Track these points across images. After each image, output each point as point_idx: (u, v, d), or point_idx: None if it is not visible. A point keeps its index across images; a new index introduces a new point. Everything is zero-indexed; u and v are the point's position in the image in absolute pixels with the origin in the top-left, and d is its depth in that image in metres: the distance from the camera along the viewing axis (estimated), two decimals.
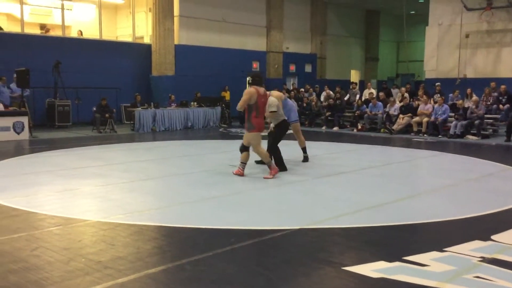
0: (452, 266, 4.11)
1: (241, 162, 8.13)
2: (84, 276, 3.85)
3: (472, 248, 4.58)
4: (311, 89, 20.53)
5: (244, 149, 8.10)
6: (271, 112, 8.48)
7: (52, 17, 20.14)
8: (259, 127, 8.02)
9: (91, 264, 4.09)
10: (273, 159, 8.49)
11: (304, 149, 9.87)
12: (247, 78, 8.44)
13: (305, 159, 9.78)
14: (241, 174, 8.08)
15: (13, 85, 14.96)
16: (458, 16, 19.87)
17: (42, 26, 19.71)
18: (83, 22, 20.28)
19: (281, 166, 8.51)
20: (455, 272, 3.99)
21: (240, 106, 7.95)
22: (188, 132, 16.85)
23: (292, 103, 10.88)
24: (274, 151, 8.66)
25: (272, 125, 8.92)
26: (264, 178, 7.94)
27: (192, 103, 18.30)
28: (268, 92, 8.85)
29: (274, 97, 8.69)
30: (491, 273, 3.98)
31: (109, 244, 4.63)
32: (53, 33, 18.93)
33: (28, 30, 18.08)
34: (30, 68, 14.56)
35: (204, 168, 8.99)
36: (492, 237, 4.93)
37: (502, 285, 3.75)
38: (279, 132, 8.78)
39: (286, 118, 8.99)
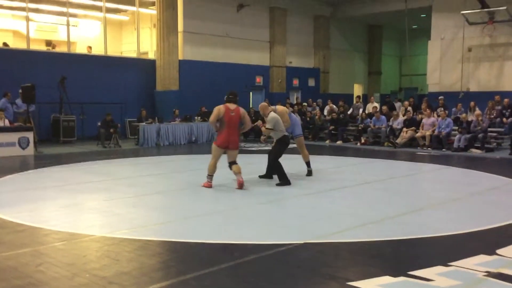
0: (457, 281, 4.09)
1: (236, 173, 8.31)
2: None
3: (477, 263, 4.56)
4: (314, 103, 20.59)
5: (231, 163, 8.37)
6: (267, 128, 8.74)
7: (57, 33, 20.33)
8: (221, 141, 8.29)
9: (96, 280, 4.10)
10: (277, 174, 8.82)
11: (308, 163, 9.89)
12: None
13: (309, 173, 9.80)
14: (240, 183, 8.21)
15: (18, 101, 15.07)
16: (460, 30, 19.96)
17: (48, 43, 19.90)
18: (88, 38, 20.46)
19: (285, 180, 8.55)
20: (461, 287, 3.98)
21: (210, 120, 8.40)
22: (192, 146, 16.90)
23: (296, 118, 10.93)
24: (276, 167, 8.73)
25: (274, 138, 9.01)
26: (202, 185, 8.34)
27: (196, 117, 18.37)
28: (272, 107, 9.31)
29: (275, 113, 8.81)
30: (496, 287, 3.96)
31: (114, 259, 4.64)
32: (59, 49, 19.11)
33: (34, 47, 18.26)
34: (36, 83, 14.67)
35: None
36: (497, 251, 4.91)
37: None
38: (280, 147, 8.85)
39: (288, 133, 9.10)
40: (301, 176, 9.58)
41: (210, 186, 8.37)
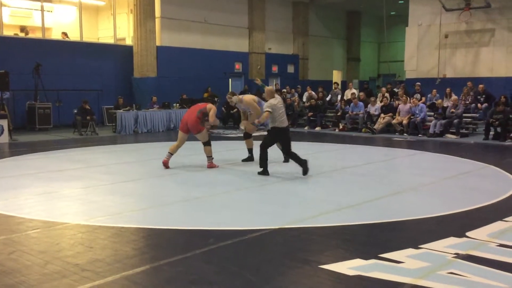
0: (426, 263, 4.18)
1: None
2: (61, 279, 3.84)
3: (447, 245, 4.66)
4: (293, 90, 20.63)
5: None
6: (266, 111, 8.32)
7: (32, 19, 19.89)
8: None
9: (68, 267, 4.08)
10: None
11: (250, 150, 9.89)
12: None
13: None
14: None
15: None
16: (437, 17, 20.12)
17: (22, 28, 19.47)
18: (63, 24, 20.07)
19: (264, 171, 8.38)
20: (430, 268, 4.07)
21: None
22: (171, 133, 16.79)
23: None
24: (262, 155, 8.40)
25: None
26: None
27: (174, 104, 18.26)
28: (240, 96, 9.71)
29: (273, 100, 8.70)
30: (465, 269, 4.07)
31: (87, 247, 4.62)
32: (33, 35, 18.73)
33: (8, 33, 17.87)
34: (10, 70, 14.39)
35: (185, 169, 9.00)
36: (467, 233, 5.03)
37: (475, 281, 3.83)
38: (272, 138, 8.51)
39: (284, 126, 8.40)
40: (277, 163, 9.61)
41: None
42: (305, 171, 8.20)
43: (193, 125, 8.91)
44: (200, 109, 9.05)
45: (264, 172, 8.40)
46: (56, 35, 19.46)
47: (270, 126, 8.41)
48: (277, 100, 8.36)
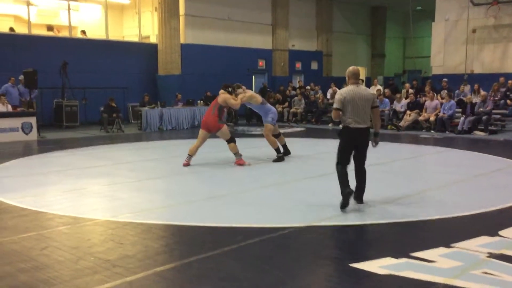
0: (459, 262, 4.11)
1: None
2: (93, 274, 3.89)
3: (479, 244, 4.57)
4: (316, 87, 20.52)
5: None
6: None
7: (59, 18, 20.20)
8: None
9: (100, 263, 4.13)
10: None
11: (276, 150, 9.67)
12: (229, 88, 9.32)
13: (279, 159, 9.59)
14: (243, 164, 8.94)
15: (20, 87, 15.04)
16: (465, 11, 19.74)
17: (49, 27, 19.79)
18: (89, 23, 20.34)
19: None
20: (463, 268, 3.99)
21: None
22: (195, 131, 16.79)
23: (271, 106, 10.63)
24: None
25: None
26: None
27: (198, 101, 18.33)
28: (248, 90, 9.99)
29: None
30: (498, 268, 3.98)
31: (118, 243, 4.67)
32: (60, 34, 19.02)
33: (35, 31, 18.18)
34: (38, 69, 14.64)
35: (211, 166, 9.02)
36: (500, 232, 4.92)
37: (509, 281, 3.75)
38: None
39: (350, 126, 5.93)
40: (303, 160, 9.57)
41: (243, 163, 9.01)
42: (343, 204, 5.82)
43: (212, 124, 8.81)
44: (213, 105, 8.96)
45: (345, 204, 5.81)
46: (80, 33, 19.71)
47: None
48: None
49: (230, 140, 8.98)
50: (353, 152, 5.99)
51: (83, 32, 19.22)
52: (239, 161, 8.98)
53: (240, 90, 9.52)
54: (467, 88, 16.87)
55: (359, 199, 6.01)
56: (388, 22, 30.12)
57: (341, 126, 6.03)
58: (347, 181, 5.86)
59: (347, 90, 5.85)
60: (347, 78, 6.03)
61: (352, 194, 5.82)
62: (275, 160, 9.49)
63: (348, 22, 27.92)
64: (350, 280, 3.82)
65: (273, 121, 9.67)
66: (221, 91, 9.14)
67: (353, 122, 5.79)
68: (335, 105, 5.87)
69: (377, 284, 3.75)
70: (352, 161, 6.04)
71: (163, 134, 15.59)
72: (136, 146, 12.50)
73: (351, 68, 6.07)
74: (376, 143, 6.19)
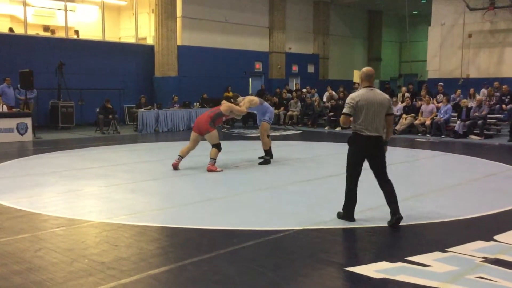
0: (454, 267, 4.11)
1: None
2: (87, 277, 3.87)
3: (474, 249, 4.58)
4: (313, 90, 20.56)
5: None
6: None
7: (55, 18, 20.17)
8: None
9: (94, 265, 4.11)
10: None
11: (265, 152, 9.70)
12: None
13: (264, 161, 9.62)
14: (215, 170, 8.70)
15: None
16: (461, 16, 19.84)
17: (46, 28, 19.75)
18: (86, 24, 20.32)
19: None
20: (458, 272, 3.99)
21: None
22: (191, 133, 16.84)
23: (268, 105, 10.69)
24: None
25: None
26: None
27: (195, 104, 18.33)
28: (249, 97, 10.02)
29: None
30: (493, 273, 3.98)
31: (112, 245, 4.65)
32: (56, 34, 18.98)
33: (32, 32, 18.13)
34: (34, 69, 14.60)
35: (205, 169, 8.99)
36: (495, 237, 4.93)
37: (504, 286, 3.75)
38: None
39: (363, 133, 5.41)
40: (299, 163, 9.58)
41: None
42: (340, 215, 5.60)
43: (203, 126, 8.74)
44: (213, 110, 9.00)
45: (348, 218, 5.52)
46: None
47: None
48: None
49: (216, 146, 8.81)
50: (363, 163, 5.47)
51: (76, 32, 19.12)
52: (212, 167, 8.69)
53: (239, 99, 9.59)
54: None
55: (395, 212, 5.29)
56: (385, 26, 30.24)
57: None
58: (354, 201, 5.42)
59: (360, 94, 5.29)
60: (360, 80, 5.53)
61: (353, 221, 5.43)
62: (261, 163, 9.51)
63: (345, 26, 27.99)
64: (345, 284, 3.82)
65: (270, 120, 9.73)
66: (224, 101, 9.22)
67: (365, 129, 5.25)
68: (345, 110, 5.30)
69: None
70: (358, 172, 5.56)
71: (158, 136, 15.57)
72: (131, 148, 12.47)
73: (364, 69, 5.45)
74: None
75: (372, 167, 5.47)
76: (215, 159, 8.79)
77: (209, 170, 8.63)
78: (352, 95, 5.37)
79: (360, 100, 5.22)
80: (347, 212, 5.48)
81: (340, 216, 5.53)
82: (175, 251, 4.56)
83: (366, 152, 5.37)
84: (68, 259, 4.26)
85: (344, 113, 5.31)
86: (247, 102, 9.51)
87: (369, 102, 5.21)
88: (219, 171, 8.66)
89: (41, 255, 4.36)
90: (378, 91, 5.42)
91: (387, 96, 5.46)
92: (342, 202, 5.57)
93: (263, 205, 6.36)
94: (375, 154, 5.38)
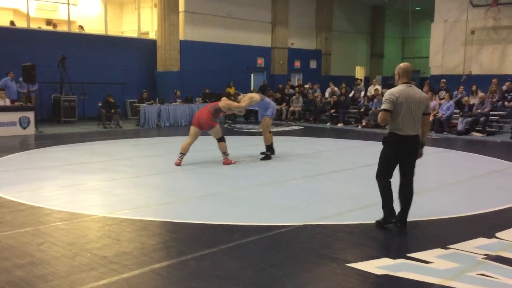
0: (456, 264, 4.11)
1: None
2: (90, 271, 3.88)
3: (476, 246, 4.58)
4: (315, 85, 20.53)
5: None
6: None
7: (58, 12, 20.14)
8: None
9: (96, 259, 4.12)
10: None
11: (266, 147, 9.71)
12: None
13: (266, 157, 9.62)
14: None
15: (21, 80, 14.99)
16: (464, 13, 19.77)
17: (48, 22, 19.73)
18: (88, 18, 20.29)
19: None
20: (459, 269, 4.00)
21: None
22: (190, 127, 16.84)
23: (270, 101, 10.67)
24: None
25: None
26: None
27: (197, 98, 18.32)
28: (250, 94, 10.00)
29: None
30: (495, 270, 3.99)
31: (114, 239, 4.66)
32: (59, 28, 18.97)
33: (34, 26, 18.11)
34: (36, 63, 14.59)
35: (209, 164, 9.01)
36: (497, 234, 4.93)
37: (506, 283, 3.76)
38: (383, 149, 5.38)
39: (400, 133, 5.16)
40: (301, 158, 9.57)
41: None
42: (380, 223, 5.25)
43: (205, 121, 8.78)
44: (212, 105, 9.04)
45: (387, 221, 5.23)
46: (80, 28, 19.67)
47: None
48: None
49: (221, 139, 8.97)
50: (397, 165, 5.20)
51: (81, 27, 19.16)
52: (227, 161, 8.93)
53: (240, 97, 9.59)
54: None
55: (402, 221, 5.16)
56: (387, 22, 30.14)
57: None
58: (392, 201, 5.13)
59: (399, 90, 4.99)
60: (397, 77, 5.19)
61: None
62: (263, 158, 9.53)
63: (347, 21, 27.91)
64: (346, 279, 3.82)
65: (272, 115, 9.73)
66: (223, 98, 9.25)
67: (404, 128, 4.96)
68: (384, 106, 4.98)
69: (374, 285, 3.76)
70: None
71: (160, 131, 15.57)
72: (133, 142, 12.48)
73: (402, 65, 5.19)
74: (420, 155, 5.31)
75: (400, 169, 5.25)
76: (227, 152, 8.99)
77: (225, 164, 8.86)
78: (391, 90, 5.09)
79: (400, 96, 4.95)
80: (388, 210, 5.15)
81: (379, 224, 5.20)
82: (177, 246, 4.57)
83: (401, 153, 5.11)
84: (70, 253, 4.27)
85: (384, 109, 4.99)
86: (248, 99, 9.50)
87: (408, 99, 4.96)
88: (234, 163, 8.93)
89: (44, 249, 4.38)
90: (417, 88, 5.19)
91: (425, 94, 5.26)
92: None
93: (265, 201, 6.36)
94: (409, 155, 5.14)
